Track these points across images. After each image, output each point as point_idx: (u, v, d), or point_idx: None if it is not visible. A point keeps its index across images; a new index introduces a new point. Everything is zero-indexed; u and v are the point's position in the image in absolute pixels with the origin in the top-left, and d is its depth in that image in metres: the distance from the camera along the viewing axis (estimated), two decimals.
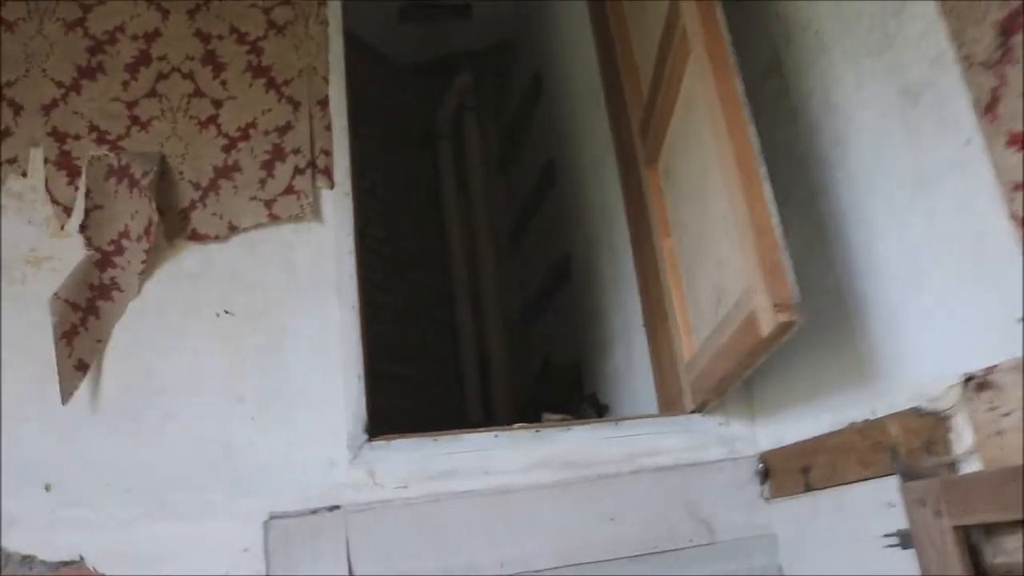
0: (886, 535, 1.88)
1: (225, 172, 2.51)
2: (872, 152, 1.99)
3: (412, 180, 4.77)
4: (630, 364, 3.35)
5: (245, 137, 2.56)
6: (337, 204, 2.52)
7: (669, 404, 2.65)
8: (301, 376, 2.34)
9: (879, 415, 1.97)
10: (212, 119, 2.57)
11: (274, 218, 2.48)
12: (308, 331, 2.39)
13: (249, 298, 2.40)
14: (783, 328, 1.73)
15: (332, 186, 2.54)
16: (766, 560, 2.38)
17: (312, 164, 2.54)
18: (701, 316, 2.33)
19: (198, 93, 2.58)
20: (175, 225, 2.44)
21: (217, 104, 2.58)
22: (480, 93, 5.09)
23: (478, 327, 4.65)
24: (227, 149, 2.54)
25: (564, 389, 4.14)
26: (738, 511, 2.41)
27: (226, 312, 2.37)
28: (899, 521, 1.91)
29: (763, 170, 1.82)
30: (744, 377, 2.10)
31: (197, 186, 2.49)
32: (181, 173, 2.49)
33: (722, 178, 1.93)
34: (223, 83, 2.60)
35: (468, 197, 4.91)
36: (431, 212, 4.80)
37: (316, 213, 2.50)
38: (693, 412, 2.48)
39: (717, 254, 2.11)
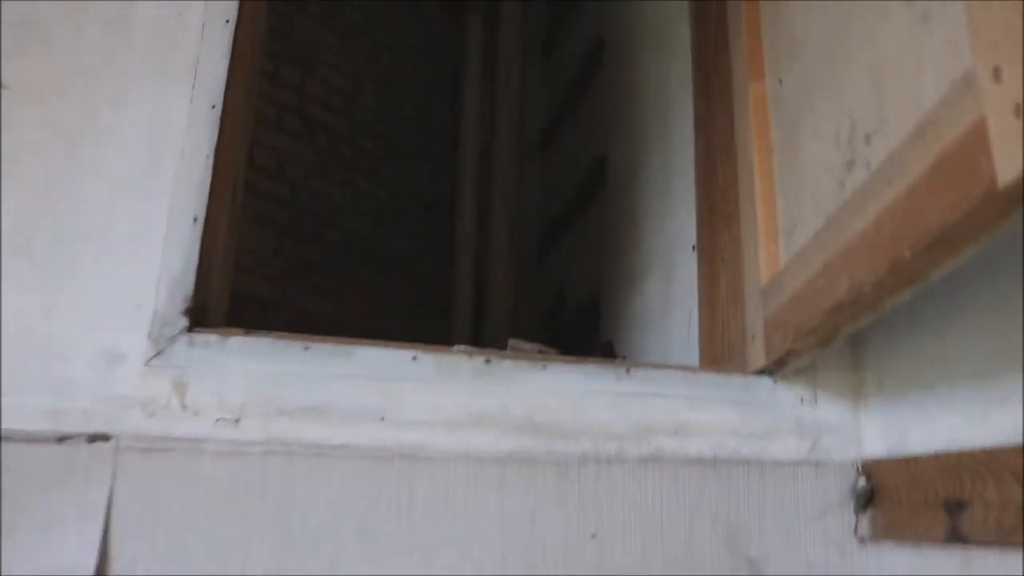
0: None
1: None
2: None
3: (427, 51, 3.71)
4: (667, 302, 2.29)
5: None
6: None
7: (719, 357, 1.59)
8: (98, 201, 1.31)
9: None
10: None
11: None
12: (128, 129, 1.34)
13: (41, 63, 1.37)
14: None
15: None
16: None
17: None
18: (806, 200, 1.26)
19: None
20: None
21: None
22: None
23: (481, 243, 3.60)
24: None
25: (577, 333, 3.09)
26: (813, 554, 1.35)
27: None
28: None
29: None
30: (893, 301, 1.02)
31: None
32: None
33: None
34: None
35: (495, 85, 3.84)
36: (445, 94, 3.74)
37: None
38: (760, 372, 1.41)
39: (874, 54, 1.04)
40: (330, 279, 3.03)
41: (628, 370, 1.36)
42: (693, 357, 1.84)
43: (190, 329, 1.27)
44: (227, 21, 1.42)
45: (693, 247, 2.06)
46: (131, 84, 1.38)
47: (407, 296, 3.36)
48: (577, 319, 3.10)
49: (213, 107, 1.37)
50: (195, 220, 1.32)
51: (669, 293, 2.28)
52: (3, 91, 1.34)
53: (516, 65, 3.89)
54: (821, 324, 1.14)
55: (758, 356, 1.39)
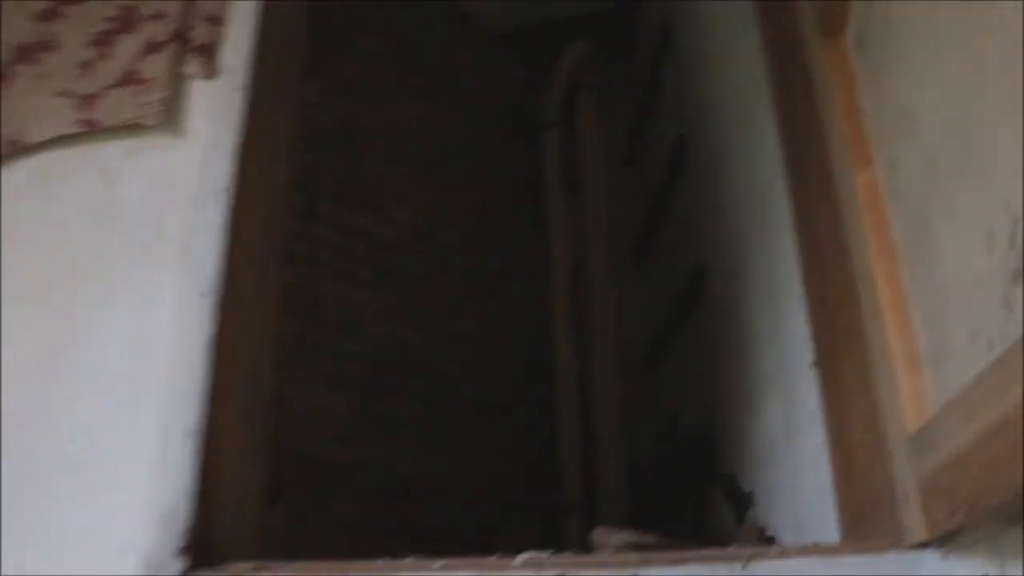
0: None
1: (31, 52, 1.34)
2: None
3: (505, 177, 3.50)
4: (790, 429, 1.95)
5: None
6: (220, 106, 1.29)
7: (861, 515, 1.24)
8: (79, 419, 1.10)
9: None
10: None
11: (90, 125, 1.27)
12: (112, 329, 1.15)
13: (18, 272, 1.20)
14: None
15: (213, 73, 1.31)
16: None
17: (180, 36, 1.33)
18: (955, 319, 0.95)
19: None
20: None
21: None
22: (602, 68, 3.80)
23: (583, 368, 3.31)
24: (46, 17, 1.37)
25: (693, 462, 2.73)
26: None
27: None
28: None
29: None
30: None
31: None
32: None
33: None
34: None
35: (580, 201, 3.60)
36: (528, 219, 3.52)
37: (171, 118, 1.28)
38: (923, 545, 1.06)
39: None
40: (418, 434, 2.78)
41: (746, 564, 1.03)
42: (827, 502, 1.51)
43: (192, 570, 1.02)
44: (223, 189, 1.22)
45: (811, 364, 1.75)
46: (116, 277, 1.19)
47: (507, 437, 3.07)
48: (693, 445, 2.75)
49: (202, 295, 1.16)
50: (188, 434, 1.09)
51: (791, 420, 1.94)
52: None
53: (599, 173, 3.64)
54: (1009, 500, 0.80)
55: (916, 526, 1.04)
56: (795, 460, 1.91)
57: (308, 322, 2.62)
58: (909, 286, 1.09)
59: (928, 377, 1.05)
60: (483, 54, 3.61)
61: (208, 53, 1.31)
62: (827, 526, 1.72)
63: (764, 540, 2.07)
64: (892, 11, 1.10)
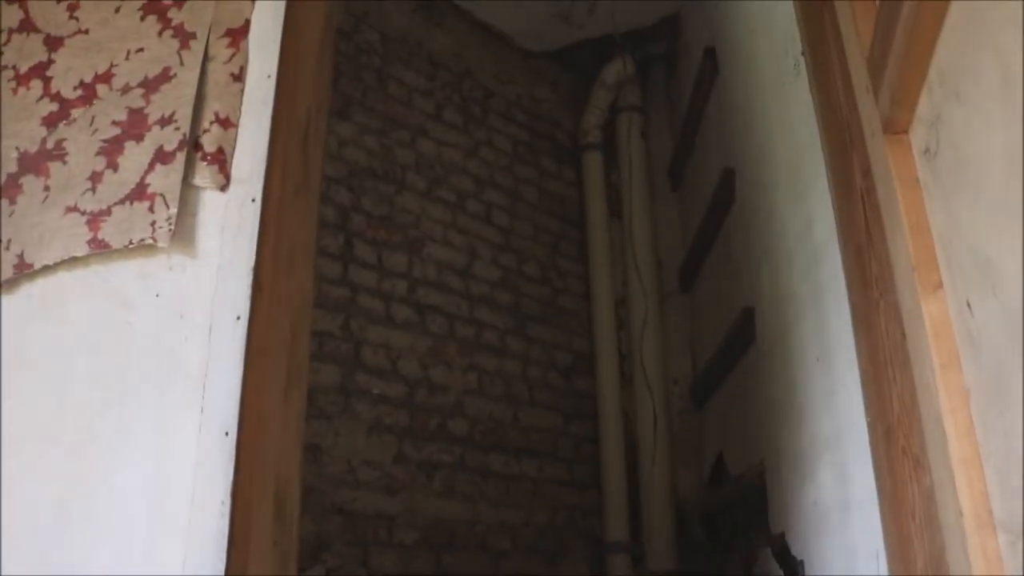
0: None
1: (38, 161, 1.27)
2: None
3: (544, 204, 3.40)
4: (846, 504, 1.85)
5: (88, 99, 1.31)
6: (233, 222, 1.22)
7: None
8: None
9: None
10: (40, 69, 1.34)
11: (100, 246, 1.20)
12: (127, 478, 1.08)
13: (28, 409, 1.14)
14: None
15: (226, 184, 1.24)
16: None
17: (192, 143, 1.25)
18: None
19: (27, 27, 1.37)
20: None
21: (54, 45, 1.35)
22: (643, 88, 3.66)
23: (628, 402, 3.20)
24: (53, 121, 1.30)
25: (744, 511, 2.62)
26: None
27: None
28: None
29: None
30: None
31: None
32: None
33: None
34: (71, 9, 1.37)
35: (623, 227, 3.48)
36: (570, 244, 3.42)
37: (183, 237, 1.20)
38: None
39: None
40: (461, 477, 2.71)
41: None
42: None
43: None
44: (238, 318, 1.15)
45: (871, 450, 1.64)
46: (131, 414, 1.12)
47: (552, 476, 2.99)
48: (742, 496, 2.64)
49: (227, 434, 1.09)
50: None
51: (847, 493, 1.84)
52: None
53: (642, 198, 3.52)
54: None
55: None
56: (850, 539, 1.81)
57: (348, 369, 2.56)
58: (984, 438, 0.98)
59: (1004, 547, 0.94)
60: (521, 77, 3.50)
61: (220, 161, 1.23)
62: None
63: None
64: (960, 141, 0.98)
